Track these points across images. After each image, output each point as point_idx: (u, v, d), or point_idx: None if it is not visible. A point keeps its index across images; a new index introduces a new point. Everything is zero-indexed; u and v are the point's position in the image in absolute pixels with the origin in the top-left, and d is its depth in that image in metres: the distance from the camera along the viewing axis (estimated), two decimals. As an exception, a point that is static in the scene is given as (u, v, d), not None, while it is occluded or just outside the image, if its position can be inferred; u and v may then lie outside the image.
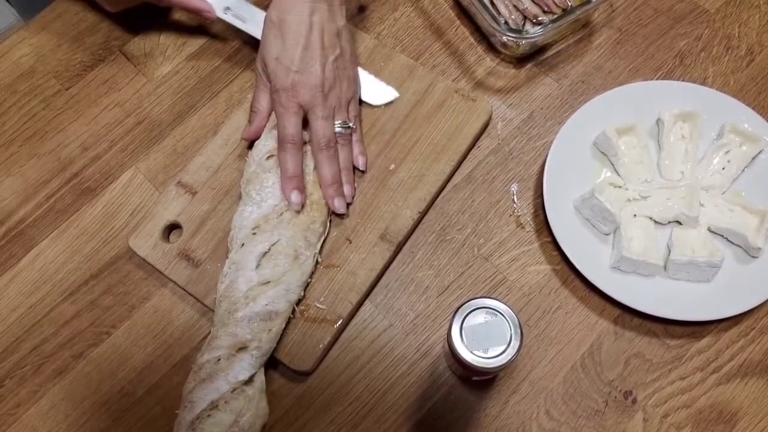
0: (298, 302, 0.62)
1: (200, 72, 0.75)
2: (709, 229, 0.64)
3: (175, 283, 0.64)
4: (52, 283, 0.66)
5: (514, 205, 0.68)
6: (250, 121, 0.66)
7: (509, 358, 0.49)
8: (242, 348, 0.57)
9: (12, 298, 0.66)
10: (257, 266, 0.60)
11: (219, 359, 0.57)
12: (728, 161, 0.66)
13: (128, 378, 0.62)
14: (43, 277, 0.66)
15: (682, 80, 0.72)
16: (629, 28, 0.76)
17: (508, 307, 0.50)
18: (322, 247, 0.64)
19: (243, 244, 0.61)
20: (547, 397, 0.60)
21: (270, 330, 0.58)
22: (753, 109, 0.67)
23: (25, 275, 0.67)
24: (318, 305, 0.62)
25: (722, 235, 0.64)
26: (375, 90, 0.70)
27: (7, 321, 0.65)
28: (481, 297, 0.51)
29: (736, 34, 0.75)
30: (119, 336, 0.64)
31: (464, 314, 0.50)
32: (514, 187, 0.68)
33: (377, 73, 0.72)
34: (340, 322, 0.62)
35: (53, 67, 0.76)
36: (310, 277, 0.63)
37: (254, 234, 0.61)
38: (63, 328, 0.64)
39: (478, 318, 0.50)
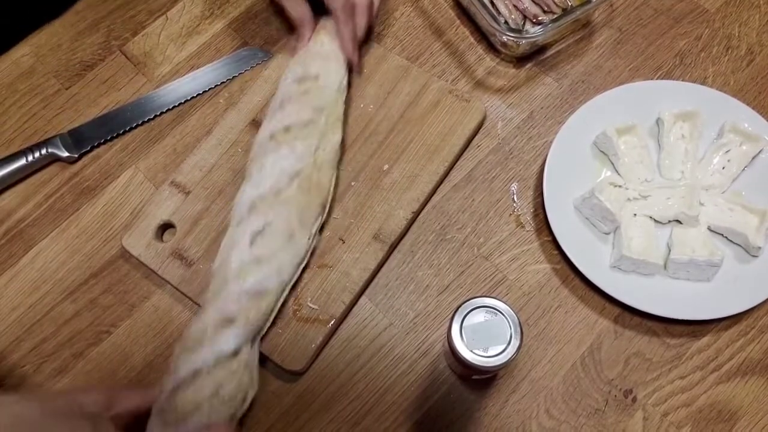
0: (295, 286, 0.62)
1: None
2: (709, 229, 0.64)
3: (168, 282, 0.64)
4: (52, 283, 0.66)
5: (514, 205, 0.68)
6: (298, 37, 0.70)
7: (509, 357, 0.49)
8: (229, 321, 0.57)
9: (12, 298, 0.66)
10: (251, 244, 0.60)
11: (204, 330, 0.57)
12: (728, 161, 0.66)
13: (128, 377, 0.62)
14: (43, 277, 0.66)
15: (682, 80, 0.72)
16: (629, 27, 0.76)
17: (508, 306, 0.50)
18: (321, 229, 0.64)
19: (239, 223, 0.61)
20: (547, 396, 0.60)
21: (259, 308, 0.59)
22: (753, 108, 0.67)
23: (25, 274, 0.67)
24: (310, 305, 0.62)
25: (722, 235, 0.64)
26: None
27: (7, 320, 0.65)
28: (480, 296, 0.51)
29: (736, 34, 0.75)
30: (119, 335, 0.64)
31: (464, 313, 0.50)
32: (514, 187, 0.69)
33: (371, 74, 0.72)
34: (332, 322, 0.62)
35: (53, 67, 0.76)
36: (307, 259, 0.63)
37: (250, 213, 0.61)
38: (63, 327, 0.64)
39: (478, 317, 0.50)
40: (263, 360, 0.62)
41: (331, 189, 0.65)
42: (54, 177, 0.71)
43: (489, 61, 0.75)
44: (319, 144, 0.65)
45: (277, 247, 0.60)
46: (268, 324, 0.60)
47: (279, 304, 0.61)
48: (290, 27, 0.75)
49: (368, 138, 0.69)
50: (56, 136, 0.71)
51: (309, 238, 0.62)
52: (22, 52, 0.77)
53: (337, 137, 0.66)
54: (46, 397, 0.49)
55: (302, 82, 0.67)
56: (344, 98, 0.69)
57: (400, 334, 0.63)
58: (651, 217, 0.64)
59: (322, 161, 0.64)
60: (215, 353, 0.56)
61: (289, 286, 0.61)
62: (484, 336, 0.50)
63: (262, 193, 0.62)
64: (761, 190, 0.65)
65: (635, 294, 0.61)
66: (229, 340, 0.56)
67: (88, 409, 0.49)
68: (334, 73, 0.68)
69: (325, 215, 0.65)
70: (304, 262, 0.63)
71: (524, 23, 0.73)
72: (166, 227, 0.66)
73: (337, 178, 0.67)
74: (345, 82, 0.69)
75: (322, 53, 0.69)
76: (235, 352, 0.57)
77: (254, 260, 0.59)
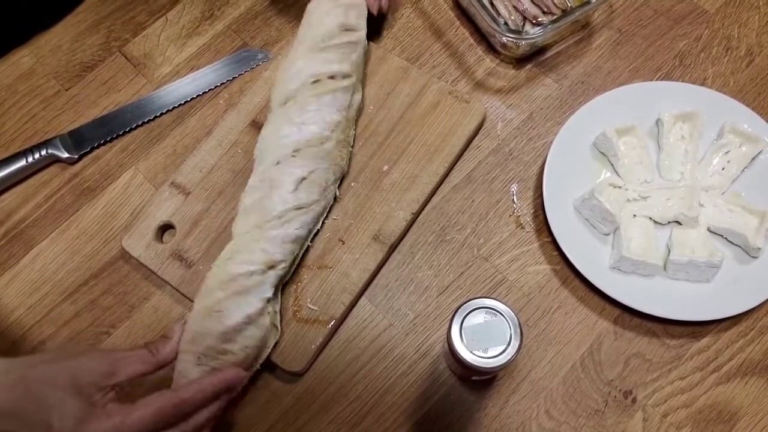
0: (294, 286, 0.63)
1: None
2: (708, 230, 0.64)
3: (167, 283, 0.64)
4: (51, 283, 0.66)
5: (514, 205, 0.68)
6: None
7: (509, 357, 0.49)
8: (272, 266, 0.58)
9: (12, 298, 0.66)
10: (294, 189, 0.60)
11: (252, 274, 0.57)
12: (728, 162, 0.66)
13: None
14: (42, 277, 0.66)
15: (682, 81, 0.72)
16: (629, 28, 0.76)
17: (508, 307, 0.50)
18: (339, 185, 0.66)
19: (279, 162, 0.61)
20: (546, 397, 0.60)
21: (293, 253, 0.60)
22: (753, 109, 0.67)
23: (25, 275, 0.67)
24: (310, 306, 0.62)
25: (722, 236, 0.64)
26: None
27: (7, 321, 0.65)
28: (480, 297, 0.51)
29: (736, 35, 0.75)
30: (119, 336, 0.64)
31: (464, 314, 0.50)
32: (514, 188, 0.69)
33: (371, 75, 0.72)
34: (332, 323, 0.62)
35: (53, 68, 0.76)
36: (327, 213, 0.65)
37: (294, 157, 0.61)
38: (63, 328, 0.64)
39: (478, 318, 0.50)
40: (263, 361, 0.62)
41: (351, 150, 0.67)
42: (54, 178, 0.71)
43: (489, 62, 0.75)
44: (351, 100, 0.66)
45: (314, 198, 0.61)
46: (290, 274, 0.62)
47: (301, 254, 0.62)
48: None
49: (368, 138, 0.69)
50: (56, 137, 0.71)
51: (334, 194, 0.64)
52: (22, 53, 0.77)
53: (359, 96, 0.68)
54: (35, 362, 0.48)
55: (345, 30, 0.67)
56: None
57: (400, 335, 0.63)
58: (651, 218, 0.64)
59: (350, 118, 0.66)
60: (262, 298, 0.57)
61: (310, 239, 0.63)
62: (483, 337, 0.50)
63: (308, 138, 0.62)
64: (761, 191, 0.65)
65: (635, 295, 0.61)
66: (272, 285, 0.58)
67: (86, 378, 0.47)
68: (364, 30, 0.69)
69: (345, 173, 0.67)
70: (324, 218, 0.64)
71: (524, 24, 0.73)
72: (165, 228, 0.66)
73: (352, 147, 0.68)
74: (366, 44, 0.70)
75: (357, 4, 0.69)
76: (273, 297, 0.58)
77: (296, 206, 0.60)
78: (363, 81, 0.70)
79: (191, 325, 0.55)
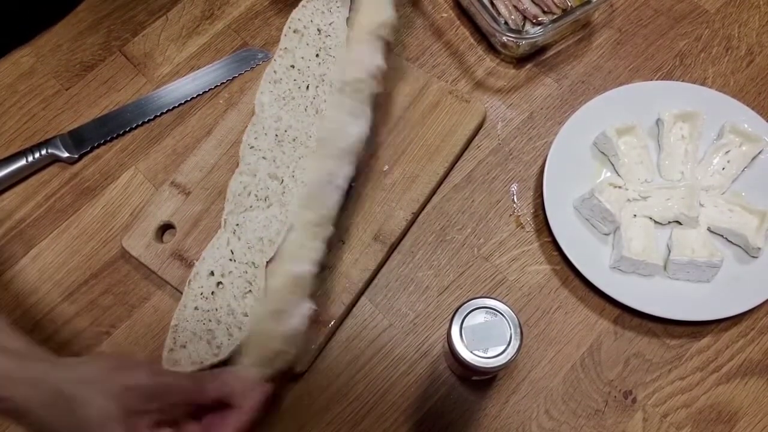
0: None
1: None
2: (708, 230, 0.64)
3: (168, 283, 0.64)
4: (51, 283, 0.66)
5: (514, 205, 0.68)
6: None
7: (509, 357, 0.49)
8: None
9: (12, 298, 0.65)
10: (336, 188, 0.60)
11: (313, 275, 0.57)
12: (728, 161, 0.66)
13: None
14: (42, 277, 0.66)
15: (682, 80, 0.72)
16: (629, 28, 0.76)
17: (508, 306, 0.50)
18: None
19: (341, 158, 0.60)
20: (546, 397, 0.60)
21: None
22: (753, 109, 0.67)
23: (25, 275, 0.67)
24: (310, 306, 0.62)
25: (722, 235, 0.64)
26: None
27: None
28: (480, 297, 0.51)
29: (736, 35, 0.75)
30: (119, 336, 0.64)
31: (464, 314, 0.50)
32: (514, 187, 0.69)
33: None
34: (332, 323, 0.62)
35: (53, 67, 0.76)
36: None
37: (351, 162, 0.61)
38: (63, 328, 0.64)
39: (478, 318, 0.50)
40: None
41: None
42: (54, 177, 0.71)
43: (489, 61, 0.75)
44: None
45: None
46: None
47: None
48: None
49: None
50: (56, 136, 0.71)
51: None
52: (22, 52, 0.77)
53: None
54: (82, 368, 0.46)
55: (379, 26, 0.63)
56: None
57: (400, 334, 0.63)
58: (651, 218, 0.64)
59: None
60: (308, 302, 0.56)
61: None
62: (484, 337, 0.50)
63: (349, 145, 0.60)
64: (761, 191, 0.65)
65: (635, 295, 0.61)
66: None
67: (121, 402, 0.44)
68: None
69: None
70: None
71: (524, 24, 0.73)
72: (166, 228, 0.66)
73: None
74: None
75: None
76: None
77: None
78: None
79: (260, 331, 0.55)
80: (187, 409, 0.48)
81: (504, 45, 0.72)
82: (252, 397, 0.50)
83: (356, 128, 0.60)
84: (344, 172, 0.60)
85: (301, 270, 0.56)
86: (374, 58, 0.62)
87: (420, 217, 0.67)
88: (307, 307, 0.56)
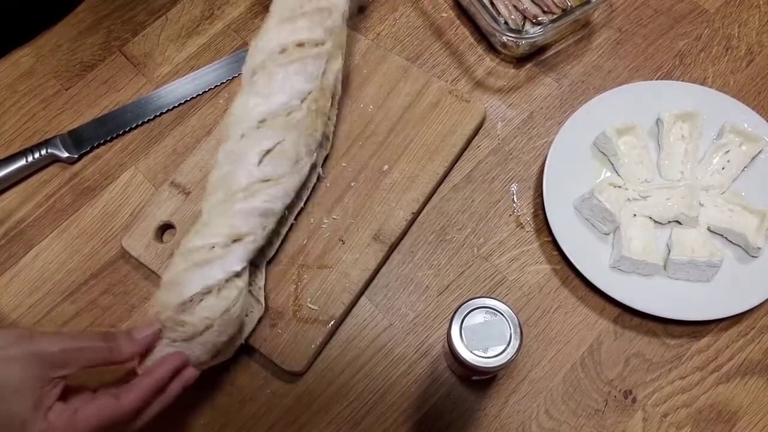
0: (297, 213, 0.65)
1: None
2: (708, 229, 0.64)
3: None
4: (52, 283, 0.66)
5: (514, 205, 0.68)
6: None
7: (509, 357, 0.49)
8: (237, 240, 0.57)
9: (12, 298, 0.66)
10: (259, 162, 0.59)
11: (213, 246, 0.56)
12: (728, 161, 0.66)
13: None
14: (42, 277, 0.66)
15: (682, 80, 0.72)
16: (629, 28, 0.76)
17: (508, 306, 0.50)
18: (324, 161, 0.67)
19: (243, 135, 0.60)
20: (546, 397, 0.60)
21: (264, 227, 0.59)
22: (753, 109, 0.67)
23: (25, 275, 0.67)
24: (310, 306, 0.62)
25: (722, 235, 0.64)
26: None
27: (7, 321, 0.65)
28: (480, 296, 0.51)
29: (736, 34, 0.75)
30: (119, 336, 0.64)
31: (464, 314, 0.50)
32: (514, 187, 0.69)
33: (371, 74, 0.72)
34: (332, 323, 0.62)
35: (53, 67, 0.76)
36: (306, 186, 0.65)
37: (259, 128, 0.60)
38: (63, 327, 0.64)
39: (478, 318, 0.50)
40: (263, 361, 0.62)
41: (334, 119, 0.66)
42: (54, 177, 0.71)
43: (489, 61, 0.75)
44: (325, 68, 0.63)
45: (284, 170, 0.60)
46: (273, 251, 0.63)
47: (285, 231, 0.63)
48: None
49: (368, 138, 0.69)
50: (56, 136, 0.71)
51: (311, 167, 0.63)
52: (22, 52, 0.77)
53: (338, 64, 0.65)
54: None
55: None
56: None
57: (400, 334, 0.63)
58: (651, 218, 0.64)
59: (325, 86, 0.63)
60: (226, 271, 0.56)
61: (293, 217, 0.64)
62: (483, 337, 0.50)
63: (274, 109, 0.60)
64: (761, 191, 0.65)
65: (635, 294, 0.61)
66: (237, 258, 0.57)
67: (37, 368, 0.44)
68: None
69: (328, 149, 0.66)
70: (307, 193, 0.65)
71: (524, 23, 0.73)
72: (165, 228, 0.66)
73: (337, 117, 0.69)
74: (347, 9, 0.67)
75: None
76: (242, 271, 0.57)
77: (262, 179, 0.59)
78: (348, 50, 0.69)
79: (155, 299, 0.55)
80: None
81: (504, 45, 0.72)
82: (165, 363, 0.52)
83: (262, 107, 0.60)
84: (257, 146, 0.59)
85: (198, 243, 0.56)
86: (280, 40, 0.62)
87: (420, 216, 0.67)
88: (215, 279, 0.55)
